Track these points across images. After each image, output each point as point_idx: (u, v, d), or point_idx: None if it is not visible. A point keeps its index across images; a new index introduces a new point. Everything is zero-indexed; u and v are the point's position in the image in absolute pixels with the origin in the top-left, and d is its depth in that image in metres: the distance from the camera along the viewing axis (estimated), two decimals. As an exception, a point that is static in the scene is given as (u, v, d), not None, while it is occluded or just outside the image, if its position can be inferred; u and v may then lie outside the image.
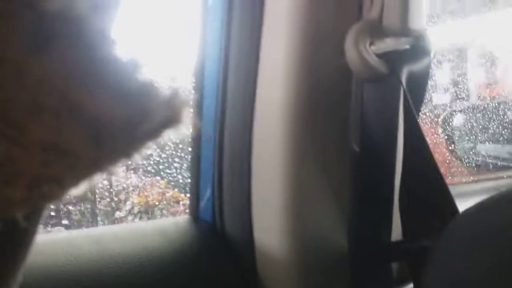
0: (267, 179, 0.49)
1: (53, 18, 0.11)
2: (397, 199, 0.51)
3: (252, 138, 0.49)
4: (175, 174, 0.88)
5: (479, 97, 1.61)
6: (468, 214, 0.40)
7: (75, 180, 0.14)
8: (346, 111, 0.50)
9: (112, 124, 0.12)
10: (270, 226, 0.49)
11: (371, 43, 0.46)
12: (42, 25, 0.11)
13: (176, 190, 1.04)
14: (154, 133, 0.13)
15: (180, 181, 0.91)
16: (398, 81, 0.46)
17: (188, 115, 0.14)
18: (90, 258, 0.43)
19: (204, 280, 0.49)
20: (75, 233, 0.56)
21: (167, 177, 0.96)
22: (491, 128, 1.12)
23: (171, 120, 0.13)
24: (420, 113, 0.51)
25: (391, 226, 0.53)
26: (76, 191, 0.14)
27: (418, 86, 0.49)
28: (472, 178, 1.15)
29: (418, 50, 0.48)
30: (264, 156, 0.49)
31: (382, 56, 0.46)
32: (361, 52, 0.45)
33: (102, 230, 0.50)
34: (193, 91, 0.53)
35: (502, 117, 1.07)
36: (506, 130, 1.12)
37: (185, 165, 0.85)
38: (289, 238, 0.49)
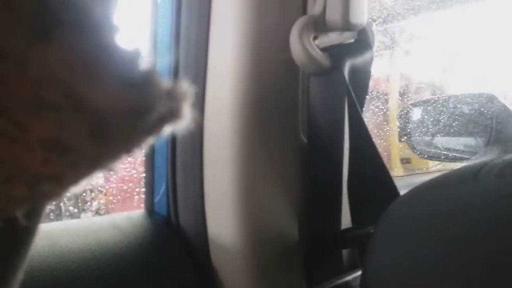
0: (219, 173, 0.50)
1: (55, 7, 0.11)
2: (346, 188, 0.54)
3: (203, 134, 0.50)
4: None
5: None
6: (406, 198, 0.42)
7: (76, 178, 0.14)
8: (294, 104, 0.52)
9: (115, 117, 0.12)
10: (222, 218, 0.50)
11: (315, 37, 0.48)
12: (45, 14, 0.11)
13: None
14: (155, 127, 0.13)
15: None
16: (341, 74, 0.48)
17: (189, 108, 0.13)
18: (41, 252, 0.43)
19: (159, 272, 0.50)
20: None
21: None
22: (445, 121, 1.17)
23: (172, 112, 0.13)
24: (364, 105, 0.53)
25: (340, 215, 0.55)
26: (76, 189, 0.14)
27: (360, 79, 0.51)
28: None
29: (360, 44, 0.50)
30: (215, 151, 0.50)
31: (325, 50, 0.48)
32: (305, 46, 0.46)
33: (54, 225, 0.49)
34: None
35: (453, 110, 1.12)
36: (457, 123, 1.17)
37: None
38: (241, 230, 0.50)
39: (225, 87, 0.48)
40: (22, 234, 0.17)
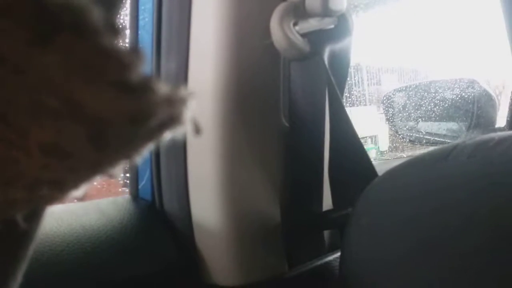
0: (202, 157, 0.51)
1: (55, 10, 0.11)
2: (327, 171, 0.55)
3: (186, 119, 0.51)
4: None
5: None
6: (381, 179, 0.43)
7: (76, 182, 0.14)
8: (275, 89, 0.52)
9: (114, 124, 0.12)
10: (206, 202, 0.51)
11: (295, 23, 0.49)
12: (44, 18, 0.11)
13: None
14: (155, 133, 0.13)
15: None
16: (321, 60, 0.49)
17: (189, 113, 0.13)
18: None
19: (144, 255, 0.50)
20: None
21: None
22: (426, 106, 1.18)
23: (172, 118, 0.13)
24: (344, 89, 0.54)
25: (321, 197, 0.56)
26: (76, 193, 0.14)
27: (340, 64, 0.52)
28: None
29: (340, 30, 0.51)
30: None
31: (305, 35, 0.48)
32: (285, 31, 0.47)
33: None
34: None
35: (434, 95, 1.14)
36: (439, 108, 1.18)
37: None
38: (224, 213, 0.51)
39: (206, 73, 0.49)
40: (22, 237, 0.17)
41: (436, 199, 0.38)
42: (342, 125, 0.51)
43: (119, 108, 0.12)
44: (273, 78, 0.52)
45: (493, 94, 1.27)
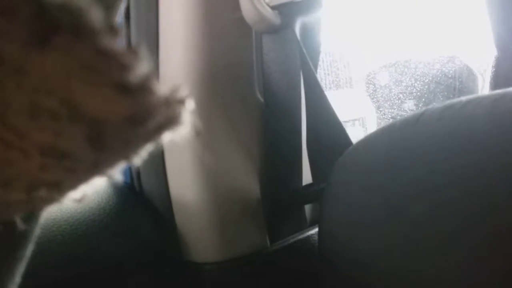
0: (178, 138, 0.51)
1: (53, 11, 0.10)
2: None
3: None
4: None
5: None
6: (354, 148, 0.43)
7: (74, 183, 0.14)
8: (249, 64, 0.52)
9: (112, 125, 0.12)
10: (184, 180, 0.51)
11: (265, -4, 0.48)
12: (42, 18, 0.10)
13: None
14: (153, 134, 0.13)
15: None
16: (293, 32, 0.49)
17: (187, 114, 0.13)
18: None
19: (123, 236, 0.50)
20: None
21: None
22: (407, 83, 1.19)
23: (171, 119, 0.13)
24: (318, 62, 0.54)
25: (301, 171, 0.57)
26: (74, 194, 0.14)
27: (312, 37, 0.52)
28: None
29: (311, 2, 0.51)
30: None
31: (276, 8, 0.48)
32: (255, 4, 0.47)
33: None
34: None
35: (414, 71, 1.14)
36: (420, 84, 1.19)
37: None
38: (203, 191, 0.51)
39: (177, 49, 0.48)
40: (20, 237, 0.17)
41: (407, 163, 0.38)
42: (317, 97, 0.51)
43: (118, 110, 0.12)
44: (246, 53, 0.52)
45: (474, 68, 1.27)
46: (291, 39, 0.50)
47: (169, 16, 0.49)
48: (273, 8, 0.48)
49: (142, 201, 0.54)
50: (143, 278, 0.51)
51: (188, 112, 0.13)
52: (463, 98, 0.38)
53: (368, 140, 0.43)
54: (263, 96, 0.53)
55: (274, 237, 0.56)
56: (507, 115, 0.35)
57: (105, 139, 0.12)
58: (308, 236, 0.58)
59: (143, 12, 0.51)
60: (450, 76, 1.24)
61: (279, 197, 0.55)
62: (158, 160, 0.53)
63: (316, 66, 0.53)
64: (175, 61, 0.49)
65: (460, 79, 1.25)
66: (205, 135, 0.50)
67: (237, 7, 0.48)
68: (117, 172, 0.14)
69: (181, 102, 0.13)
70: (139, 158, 0.13)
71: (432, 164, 0.37)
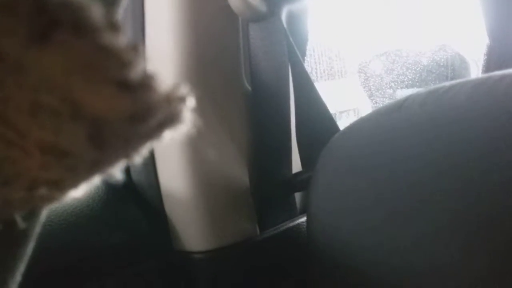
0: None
1: (53, 7, 0.10)
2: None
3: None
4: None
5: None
6: (340, 134, 0.44)
7: (75, 182, 0.13)
8: (236, 52, 0.52)
9: (113, 123, 0.12)
10: (173, 169, 0.51)
11: (251, -16, 0.48)
12: (43, 14, 0.10)
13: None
14: (154, 132, 0.13)
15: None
16: (279, 20, 0.49)
17: (188, 112, 0.13)
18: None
19: (113, 227, 0.51)
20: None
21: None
22: (398, 71, 1.19)
23: (172, 117, 0.12)
24: (306, 50, 0.54)
25: (290, 159, 0.57)
26: (75, 193, 0.14)
27: (299, 25, 0.52)
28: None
29: (297, -11, 0.51)
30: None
31: (262, -4, 0.48)
32: (241, -8, 0.47)
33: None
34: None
35: (406, 60, 1.14)
36: (412, 73, 1.19)
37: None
38: (192, 180, 0.51)
39: (164, 38, 0.48)
40: (20, 236, 0.17)
41: (391, 149, 0.39)
42: (304, 85, 0.51)
43: (119, 107, 0.11)
44: (233, 41, 0.52)
45: (466, 56, 1.28)
46: (277, 27, 0.50)
47: (156, 3, 0.49)
48: (259, -4, 0.48)
49: (131, 190, 0.54)
50: (133, 268, 0.51)
51: (189, 110, 0.13)
52: (447, 84, 0.38)
53: (354, 127, 0.43)
54: (251, 85, 0.53)
55: (264, 225, 0.56)
56: (487, 99, 0.35)
57: (105, 138, 0.12)
58: (299, 224, 0.58)
59: (129, 1, 0.51)
60: (442, 64, 1.24)
61: (268, 185, 0.56)
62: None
63: (303, 54, 0.53)
64: (161, 50, 0.49)
65: (452, 67, 1.26)
66: (192, 124, 0.50)
67: (223, -5, 0.48)
68: (118, 171, 0.14)
69: (182, 99, 0.13)
70: (140, 156, 0.13)
71: (415, 148, 0.37)
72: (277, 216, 0.57)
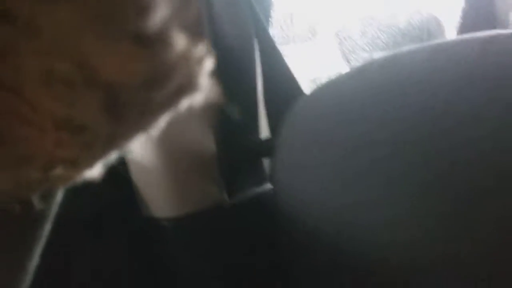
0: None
1: None
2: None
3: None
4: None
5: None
6: (304, 98, 0.44)
7: (90, 160, 0.13)
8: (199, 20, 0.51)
9: (130, 89, 0.11)
10: (140, 141, 0.51)
11: None
12: None
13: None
14: (171, 99, 0.12)
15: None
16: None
17: (206, 77, 0.12)
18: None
19: (80, 195, 0.50)
20: None
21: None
22: (374, 35, 1.18)
23: (189, 82, 0.12)
24: (270, 17, 0.54)
25: (258, 126, 0.57)
26: (91, 173, 0.14)
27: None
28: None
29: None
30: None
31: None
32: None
33: None
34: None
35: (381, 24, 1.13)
36: (387, 36, 1.19)
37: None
38: (157, 146, 0.51)
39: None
40: (37, 217, 0.17)
41: (351, 114, 0.39)
42: (269, 51, 0.51)
43: (135, 68, 0.11)
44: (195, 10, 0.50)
45: (441, 19, 1.27)
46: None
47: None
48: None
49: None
50: (102, 236, 0.51)
51: (207, 74, 0.12)
52: (406, 48, 0.38)
53: (316, 93, 0.43)
54: (216, 52, 0.52)
55: (232, 192, 0.56)
56: (446, 64, 0.35)
57: (121, 108, 0.12)
58: (268, 191, 0.59)
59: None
60: (417, 27, 1.24)
61: (234, 151, 0.56)
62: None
63: (268, 18, 0.52)
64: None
65: (427, 30, 1.25)
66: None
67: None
68: (134, 146, 0.13)
69: (200, 60, 0.12)
70: (156, 129, 0.13)
71: (374, 112, 0.37)
72: (245, 183, 0.58)
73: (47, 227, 0.18)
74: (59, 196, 0.17)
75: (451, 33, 1.29)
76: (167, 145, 0.51)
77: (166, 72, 0.11)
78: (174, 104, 0.13)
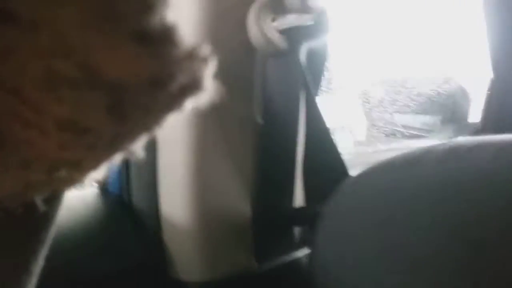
0: (172, 151, 0.50)
1: None
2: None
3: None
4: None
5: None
6: (353, 180, 0.43)
7: (94, 162, 0.13)
8: (250, 86, 0.51)
9: (134, 89, 0.11)
10: (175, 198, 0.51)
11: (273, 19, 0.47)
12: None
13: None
14: (175, 99, 0.12)
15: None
16: (297, 57, 0.48)
17: (210, 77, 0.12)
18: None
19: (110, 252, 0.49)
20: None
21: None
22: (402, 100, 1.19)
23: (194, 82, 0.12)
24: (319, 88, 0.54)
25: (293, 195, 0.56)
26: (95, 174, 0.13)
27: (317, 62, 0.52)
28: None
29: (317, 27, 0.50)
30: (168, 130, 0.50)
31: (283, 32, 0.47)
32: (263, 27, 0.46)
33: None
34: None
35: (410, 90, 1.14)
36: (415, 102, 1.20)
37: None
38: (193, 209, 0.50)
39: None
40: (42, 219, 0.17)
41: (405, 205, 0.38)
42: (316, 123, 0.51)
43: (139, 68, 0.11)
44: (248, 75, 0.51)
45: (468, 90, 1.28)
46: (295, 64, 0.49)
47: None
48: (280, 32, 0.47)
49: (131, 215, 0.53)
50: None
51: (211, 75, 0.12)
52: (468, 142, 0.38)
53: (366, 175, 0.43)
54: (262, 118, 0.53)
55: (261, 259, 0.55)
56: (510, 165, 0.35)
57: (125, 108, 0.11)
58: (297, 259, 0.57)
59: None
60: (444, 96, 1.25)
61: (270, 218, 0.55)
62: (150, 173, 0.52)
63: (317, 90, 0.53)
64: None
65: (454, 100, 1.26)
66: (199, 152, 0.49)
67: (244, 28, 0.47)
68: (139, 148, 0.13)
69: (204, 60, 0.12)
70: (161, 129, 0.12)
71: (430, 206, 0.36)
72: (276, 250, 0.57)
73: (52, 230, 0.18)
74: (63, 198, 0.17)
75: (477, 104, 1.30)
76: (204, 207, 0.50)
77: (170, 72, 0.11)
78: (178, 104, 0.12)
